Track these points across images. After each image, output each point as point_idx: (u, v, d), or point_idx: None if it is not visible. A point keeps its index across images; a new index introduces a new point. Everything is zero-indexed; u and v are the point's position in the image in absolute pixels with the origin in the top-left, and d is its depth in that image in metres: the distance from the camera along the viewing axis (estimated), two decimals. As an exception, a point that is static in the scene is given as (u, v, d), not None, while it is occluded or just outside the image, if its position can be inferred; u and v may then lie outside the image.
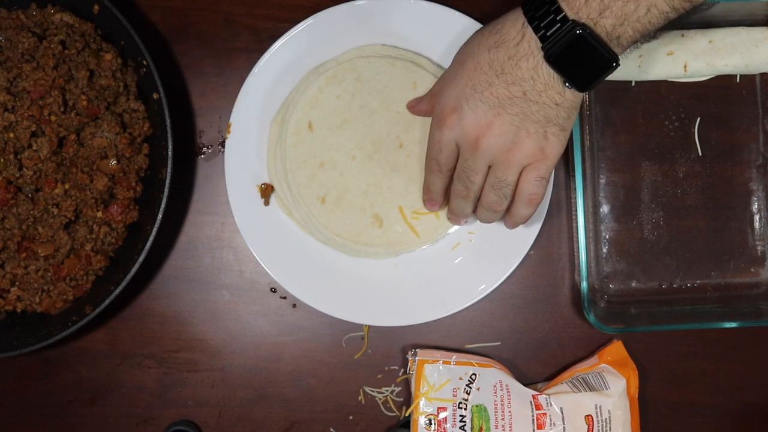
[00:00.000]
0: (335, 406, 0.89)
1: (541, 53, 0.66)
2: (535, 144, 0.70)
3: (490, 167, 0.73)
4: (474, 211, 0.79)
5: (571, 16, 0.65)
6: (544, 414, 0.84)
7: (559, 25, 0.65)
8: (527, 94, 0.68)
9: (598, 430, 0.85)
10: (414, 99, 0.84)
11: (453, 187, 0.77)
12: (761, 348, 0.91)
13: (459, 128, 0.71)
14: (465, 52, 0.72)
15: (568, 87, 0.68)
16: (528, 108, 0.68)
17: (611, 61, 0.66)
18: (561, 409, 0.84)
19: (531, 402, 0.85)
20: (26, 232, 0.82)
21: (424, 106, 0.82)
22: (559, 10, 0.65)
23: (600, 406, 0.85)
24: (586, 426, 0.84)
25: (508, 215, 0.77)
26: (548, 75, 0.67)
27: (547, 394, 0.85)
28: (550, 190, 0.86)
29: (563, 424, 0.84)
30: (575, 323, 0.90)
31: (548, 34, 0.66)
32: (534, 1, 0.67)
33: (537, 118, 0.69)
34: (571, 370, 0.89)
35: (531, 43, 0.67)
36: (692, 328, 0.90)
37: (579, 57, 0.65)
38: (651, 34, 0.67)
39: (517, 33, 0.67)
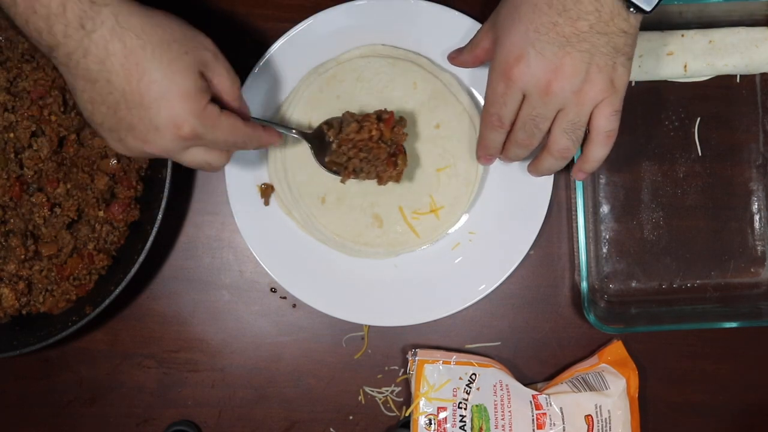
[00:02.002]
0: (335, 406, 0.89)
1: None
2: (606, 78, 0.68)
3: (559, 112, 0.70)
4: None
5: None
6: (544, 414, 0.84)
7: None
8: (594, 27, 0.66)
9: (598, 430, 0.85)
10: (454, 50, 0.81)
11: (513, 136, 0.73)
12: (761, 348, 0.91)
13: (528, 76, 0.68)
14: None
15: (632, 12, 0.66)
16: (596, 41, 0.66)
17: None
18: (561, 409, 0.84)
19: (531, 402, 0.85)
20: (32, 232, 0.82)
21: (469, 58, 0.79)
22: None
23: (600, 406, 0.85)
24: (586, 426, 0.84)
25: (582, 159, 0.74)
26: (612, 3, 0.65)
27: (547, 394, 0.85)
28: (550, 188, 0.86)
29: (563, 424, 0.84)
30: (575, 323, 0.90)
31: None
32: None
33: (606, 50, 0.67)
34: (571, 370, 0.89)
35: None
36: (692, 328, 0.90)
37: None
38: None
39: None
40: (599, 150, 0.73)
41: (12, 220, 0.82)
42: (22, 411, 0.89)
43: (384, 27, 0.86)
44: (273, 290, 0.89)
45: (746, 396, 0.91)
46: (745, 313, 0.87)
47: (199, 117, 0.65)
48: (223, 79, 0.68)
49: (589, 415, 0.85)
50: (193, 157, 0.69)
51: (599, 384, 0.86)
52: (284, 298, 0.89)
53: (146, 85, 0.63)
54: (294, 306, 0.89)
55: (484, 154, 0.79)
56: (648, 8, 0.66)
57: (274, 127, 0.78)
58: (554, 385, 0.87)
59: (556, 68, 0.67)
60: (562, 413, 0.84)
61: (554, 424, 0.84)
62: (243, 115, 0.71)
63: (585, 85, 0.68)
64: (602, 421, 0.85)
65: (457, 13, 0.85)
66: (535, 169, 0.79)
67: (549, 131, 0.72)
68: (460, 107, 0.85)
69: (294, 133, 0.81)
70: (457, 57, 0.81)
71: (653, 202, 0.90)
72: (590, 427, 0.84)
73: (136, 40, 0.62)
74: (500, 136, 0.74)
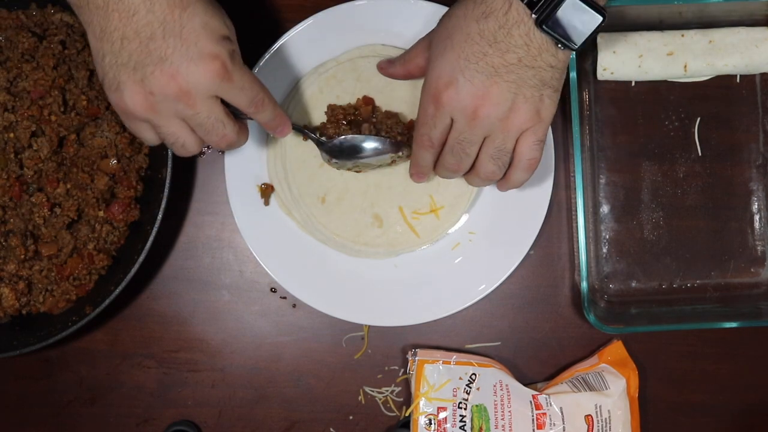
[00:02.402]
0: (335, 406, 0.89)
1: (532, 19, 0.66)
2: (532, 108, 0.70)
3: (485, 138, 0.72)
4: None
5: None
6: (544, 414, 0.84)
7: None
8: (522, 60, 0.68)
9: (598, 429, 0.85)
10: (385, 60, 0.83)
11: (443, 160, 0.76)
12: (761, 348, 0.91)
13: (456, 101, 0.70)
14: (451, 25, 0.71)
15: (560, 48, 0.68)
16: (523, 73, 0.68)
17: (600, 15, 0.67)
18: (561, 409, 0.84)
19: (531, 402, 0.85)
20: (32, 232, 0.82)
21: (400, 70, 0.81)
22: None
23: (600, 406, 0.85)
24: (586, 426, 0.84)
25: (503, 181, 0.77)
26: (541, 39, 0.67)
27: (546, 394, 0.85)
28: (550, 188, 0.86)
29: (563, 424, 0.84)
30: (575, 323, 0.90)
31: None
32: None
33: (533, 82, 0.69)
34: (571, 370, 0.89)
35: (519, 10, 0.67)
36: (692, 328, 0.90)
37: (569, 18, 0.66)
38: None
39: (503, 2, 0.67)
40: (520, 174, 0.75)
41: (12, 220, 0.82)
42: (22, 411, 0.89)
43: (384, 27, 0.86)
44: (273, 290, 0.89)
45: (746, 396, 0.91)
46: (745, 313, 0.87)
47: (232, 59, 0.66)
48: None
49: (589, 415, 0.85)
50: (177, 127, 0.68)
51: (599, 384, 0.86)
52: (284, 298, 0.89)
53: (189, 15, 0.64)
54: (294, 306, 0.89)
55: (415, 171, 0.80)
56: (575, 46, 0.68)
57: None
58: (554, 385, 0.87)
59: (484, 96, 0.69)
60: (562, 413, 0.84)
61: (554, 424, 0.84)
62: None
63: (511, 114, 0.70)
64: (602, 421, 0.85)
65: (457, 13, 0.85)
66: (465, 182, 0.80)
67: (477, 155, 0.74)
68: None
69: (313, 136, 0.82)
70: (387, 68, 0.82)
71: (653, 202, 0.90)
72: (590, 427, 0.84)
73: None
74: (431, 156, 0.76)
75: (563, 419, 0.84)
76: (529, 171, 0.75)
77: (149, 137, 0.71)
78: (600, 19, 0.67)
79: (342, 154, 0.81)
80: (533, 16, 0.66)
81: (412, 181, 0.82)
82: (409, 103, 0.85)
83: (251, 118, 0.73)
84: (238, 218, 0.85)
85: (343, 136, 0.81)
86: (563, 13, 0.66)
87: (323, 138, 0.82)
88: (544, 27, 0.66)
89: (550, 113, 0.71)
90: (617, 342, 0.88)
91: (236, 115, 0.71)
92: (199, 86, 0.66)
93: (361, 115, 0.84)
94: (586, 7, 0.66)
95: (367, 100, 0.84)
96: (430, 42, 0.74)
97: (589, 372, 0.87)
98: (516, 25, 0.67)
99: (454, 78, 0.69)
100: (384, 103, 0.85)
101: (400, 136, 0.82)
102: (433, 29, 0.74)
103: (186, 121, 0.68)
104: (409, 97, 0.85)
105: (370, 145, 0.80)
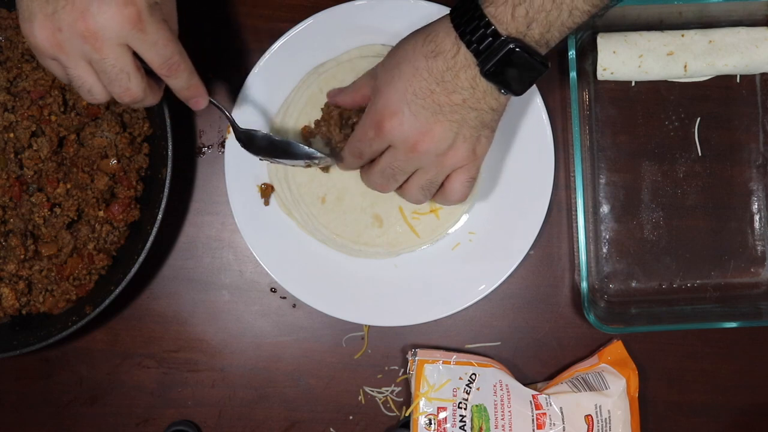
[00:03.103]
0: (335, 406, 0.89)
1: (477, 68, 0.67)
2: (469, 148, 0.72)
3: (418, 170, 0.74)
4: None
5: (501, 31, 0.66)
6: (544, 414, 0.84)
7: (490, 39, 0.66)
8: (467, 102, 0.69)
9: (598, 429, 0.85)
10: (335, 89, 0.83)
11: (371, 176, 0.77)
12: (761, 348, 0.91)
13: (398, 132, 0.71)
14: (400, 56, 0.72)
15: (503, 93, 0.69)
16: (467, 114, 0.70)
17: (543, 66, 0.68)
18: (561, 408, 0.84)
19: (531, 402, 0.85)
20: (32, 231, 0.82)
21: (347, 98, 0.81)
22: (489, 24, 0.66)
23: (600, 406, 0.85)
24: (586, 426, 0.84)
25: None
26: (486, 85, 0.68)
27: (546, 394, 0.85)
28: (550, 188, 0.86)
29: (563, 423, 0.84)
30: (575, 323, 0.90)
31: (481, 48, 0.66)
32: (463, 15, 0.67)
33: (474, 123, 0.71)
34: (571, 369, 0.89)
35: (467, 56, 0.67)
36: (692, 328, 0.90)
37: (513, 67, 0.67)
38: (575, 29, 0.69)
39: (452, 45, 0.68)
40: (445, 202, 0.77)
41: (12, 220, 0.82)
42: (22, 411, 0.89)
43: (384, 27, 0.86)
44: (273, 290, 0.89)
45: (746, 396, 0.91)
46: (745, 313, 0.87)
47: (150, 9, 0.63)
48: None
49: (589, 415, 0.85)
50: (84, 70, 0.66)
51: (599, 384, 0.86)
52: (284, 298, 0.89)
53: None
54: (294, 306, 0.89)
55: (342, 166, 0.81)
56: (518, 94, 0.69)
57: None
58: (554, 385, 0.87)
59: (426, 132, 0.70)
60: (561, 413, 0.84)
61: (554, 424, 0.84)
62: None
63: (449, 151, 0.71)
64: (602, 421, 0.85)
65: (457, 13, 0.85)
66: (369, 186, 0.80)
67: (405, 181, 0.76)
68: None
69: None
70: (335, 96, 0.83)
71: (653, 202, 0.90)
72: (590, 427, 0.84)
73: None
74: (357, 164, 0.78)
75: (563, 419, 0.84)
76: (455, 203, 0.77)
77: (59, 74, 0.68)
78: (543, 69, 0.68)
79: (252, 147, 0.81)
80: (478, 65, 0.67)
81: None
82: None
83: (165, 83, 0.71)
84: (238, 218, 0.85)
85: (262, 133, 0.81)
86: (507, 64, 0.66)
87: (237, 125, 0.81)
88: (488, 76, 0.67)
89: (485, 152, 0.74)
90: (617, 342, 0.88)
91: (151, 75, 0.69)
92: (108, 30, 0.63)
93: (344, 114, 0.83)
94: (529, 58, 0.67)
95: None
96: (376, 74, 0.75)
97: (589, 372, 0.87)
98: (463, 69, 0.68)
99: (400, 109, 0.70)
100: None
101: None
102: (382, 60, 0.75)
103: (92, 65, 0.65)
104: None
105: (294, 148, 0.81)
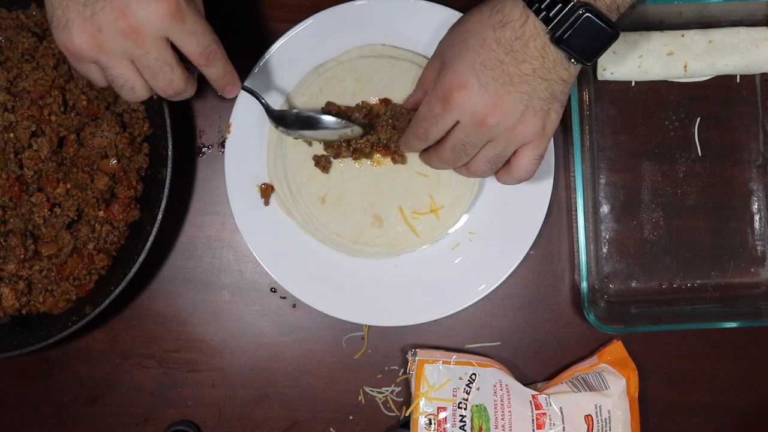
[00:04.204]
0: (335, 406, 0.89)
1: (547, 35, 0.66)
2: (539, 122, 0.70)
3: (487, 142, 0.72)
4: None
5: None
6: (544, 414, 0.84)
7: (560, 5, 0.65)
8: (537, 72, 0.68)
9: (598, 429, 0.85)
10: (406, 101, 0.82)
11: (440, 152, 0.75)
12: (761, 348, 0.91)
13: (467, 105, 0.69)
14: (466, 30, 0.70)
15: (573, 63, 0.68)
16: (537, 85, 0.68)
17: (614, 32, 0.67)
18: (560, 408, 0.84)
19: (531, 402, 0.85)
20: (32, 231, 0.82)
21: (417, 95, 0.79)
22: None
23: (600, 406, 0.85)
24: (586, 426, 0.84)
25: (480, 177, 0.77)
26: (556, 54, 0.67)
27: (546, 394, 0.85)
28: (550, 188, 0.86)
29: (563, 423, 0.84)
30: (575, 323, 0.90)
31: (551, 15, 0.66)
32: None
33: (544, 95, 0.69)
34: (571, 369, 0.89)
35: (536, 24, 0.66)
36: (692, 328, 0.90)
37: (583, 34, 0.66)
38: None
39: (520, 14, 0.67)
40: (509, 180, 0.75)
41: (12, 220, 0.82)
42: (22, 411, 0.89)
43: (384, 27, 0.86)
44: (273, 290, 0.89)
45: (746, 396, 0.91)
46: (745, 313, 0.87)
47: (187, 0, 0.65)
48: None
49: (589, 415, 0.85)
50: (126, 68, 0.66)
51: (599, 384, 0.86)
52: (284, 298, 0.89)
53: None
54: (294, 306, 0.89)
55: (403, 147, 0.80)
56: (588, 62, 0.68)
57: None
58: (554, 385, 0.87)
59: (495, 104, 0.69)
60: (561, 413, 0.84)
61: (554, 424, 0.84)
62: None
63: (519, 125, 0.70)
64: (602, 421, 0.85)
65: (457, 13, 0.85)
66: (436, 165, 0.79)
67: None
68: (460, 107, 0.85)
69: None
70: (409, 98, 0.81)
71: (653, 202, 0.90)
72: (590, 427, 0.84)
73: None
74: (422, 145, 0.76)
75: (563, 419, 0.84)
76: (520, 181, 0.75)
77: (97, 78, 0.69)
78: (614, 36, 0.67)
79: (289, 124, 0.81)
80: (548, 33, 0.66)
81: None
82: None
83: (200, 72, 0.71)
84: (238, 218, 0.85)
85: (292, 111, 0.82)
86: (577, 31, 0.66)
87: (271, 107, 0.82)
88: (559, 43, 0.66)
89: (554, 128, 0.72)
90: (617, 342, 0.88)
91: (186, 68, 0.70)
92: (149, 24, 0.64)
93: (372, 113, 0.84)
94: (601, 24, 0.66)
95: (385, 101, 0.85)
96: (440, 51, 0.74)
97: (589, 372, 0.87)
98: (532, 38, 0.67)
99: (469, 81, 0.69)
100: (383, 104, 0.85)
101: None
102: (443, 38, 0.74)
103: (134, 62, 0.66)
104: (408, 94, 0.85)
105: (324, 119, 0.81)
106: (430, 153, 0.77)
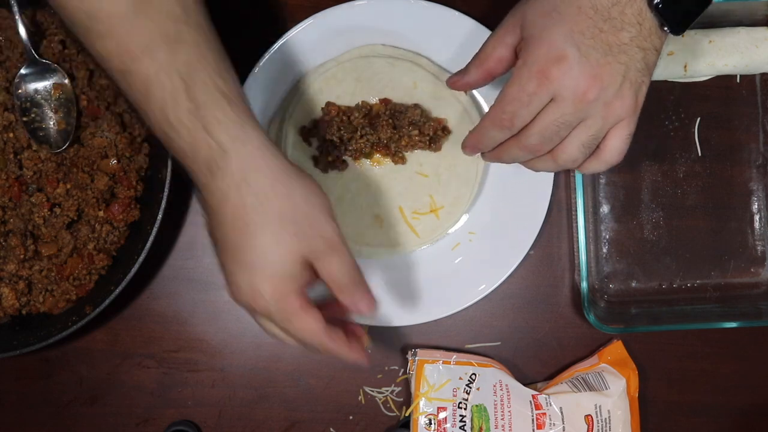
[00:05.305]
0: (335, 406, 0.89)
1: (644, 0, 0.63)
2: (633, 96, 0.65)
3: (580, 123, 0.66)
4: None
5: None
6: (544, 414, 0.84)
7: None
8: (634, 41, 0.64)
9: (598, 430, 0.85)
10: (453, 75, 0.74)
11: (523, 139, 0.68)
12: (761, 348, 0.91)
13: (567, 78, 0.63)
14: (552, 0, 0.65)
15: (665, 31, 0.65)
16: (634, 55, 0.64)
17: None
18: (560, 408, 0.84)
19: (531, 402, 0.85)
20: (32, 232, 0.82)
21: (473, 74, 0.72)
22: None
23: (600, 406, 0.85)
24: (586, 426, 0.84)
25: (568, 167, 0.70)
26: (652, 20, 0.64)
27: (546, 394, 0.85)
28: (550, 188, 0.86)
29: (563, 424, 0.84)
30: (575, 323, 0.90)
31: None
32: None
33: (640, 66, 0.65)
34: (571, 369, 0.89)
35: None
36: (692, 328, 0.90)
37: (678, 0, 0.63)
38: None
39: None
40: (600, 167, 0.70)
41: (12, 220, 0.82)
42: (22, 411, 0.89)
43: (384, 27, 0.86)
44: (273, 290, 0.89)
45: (746, 396, 0.91)
46: (745, 313, 0.88)
47: (278, 302, 0.63)
48: (332, 270, 0.65)
49: (589, 415, 0.85)
50: (265, 324, 0.67)
51: (599, 384, 0.86)
52: (284, 298, 0.89)
53: (245, 245, 0.62)
54: (294, 306, 0.89)
55: (473, 146, 0.72)
56: (681, 30, 0.65)
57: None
58: (554, 385, 0.87)
59: (596, 75, 0.64)
60: (561, 413, 0.84)
61: (554, 424, 0.84)
62: (344, 311, 0.67)
63: (616, 100, 0.65)
64: (602, 421, 0.85)
65: (457, 13, 0.85)
66: (513, 157, 0.73)
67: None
68: (459, 107, 0.85)
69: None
70: (459, 80, 0.73)
71: (653, 202, 0.90)
72: (590, 427, 0.84)
73: (255, 201, 0.62)
74: (502, 136, 0.69)
75: (563, 419, 0.84)
76: (610, 166, 0.69)
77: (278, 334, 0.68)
78: (707, 2, 0.64)
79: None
80: None
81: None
82: (408, 103, 0.85)
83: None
84: (238, 218, 0.85)
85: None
86: None
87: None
88: (657, 7, 0.63)
89: (642, 104, 0.67)
90: (617, 342, 0.88)
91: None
92: (246, 307, 0.65)
93: (372, 113, 0.84)
94: None
95: (385, 101, 0.85)
96: (521, 24, 0.67)
97: (589, 372, 0.87)
98: (629, 3, 0.63)
99: (568, 52, 0.63)
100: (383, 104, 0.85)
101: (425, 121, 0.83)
102: (522, 10, 0.67)
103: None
104: (408, 97, 0.85)
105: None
106: (506, 145, 0.70)
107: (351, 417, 0.89)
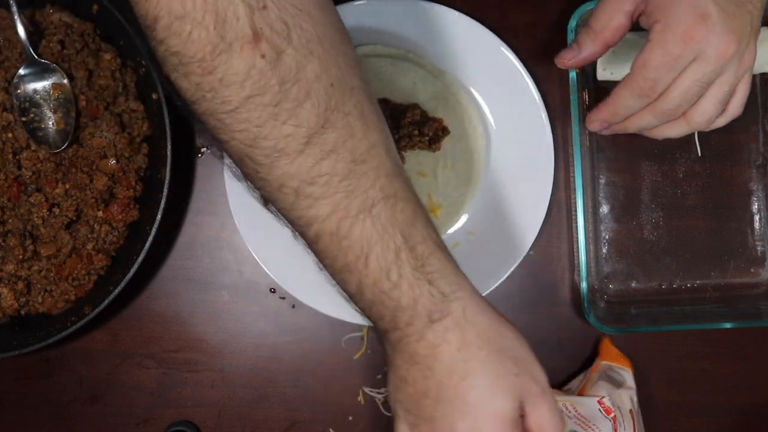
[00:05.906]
0: (335, 406, 0.89)
1: None
2: (754, 46, 0.64)
3: (715, 80, 0.65)
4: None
5: None
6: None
7: None
8: None
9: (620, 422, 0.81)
10: (562, 52, 0.70)
11: (664, 104, 0.66)
12: (761, 348, 0.91)
13: (712, 36, 0.61)
14: None
15: None
16: (756, 3, 0.63)
17: None
18: (582, 414, 0.81)
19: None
20: (30, 232, 0.82)
21: (589, 48, 0.68)
22: None
23: (632, 399, 0.84)
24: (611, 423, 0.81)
25: (701, 128, 0.69)
26: None
27: (563, 403, 0.82)
28: (550, 188, 0.86)
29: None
30: (575, 323, 0.90)
31: None
32: None
33: (757, 14, 0.64)
34: (581, 376, 0.88)
35: None
36: (692, 328, 0.90)
37: None
38: None
39: None
40: (724, 122, 0.69)
41: (10, 221, 0.82)
42: (22, 411, 0.89)
43: (384, 27, 0.85)
44: (272, 290, 0.89)
45: (746, 396, 0.91)
46: (745, 313, 0.87)
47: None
48: (543, 419, 0.59)
49: (631, 409, 0.83)
50: None
51: (615, 380, 0.84)
52: (283, 298, 0.89)
53: (466, 386, 0.57)
54: (293, 306, 0.89)
55: (605, 120, 0.70)
56: None
57: None
58: (572, 395, 0.84)
59: (734, 30, 0.62)
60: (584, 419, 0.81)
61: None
62: None
63: (747, 52, 0.64)
64: (623, 414, 0.82)
65: (457, 13, 0.85)
66: (647, 124, 0.70)
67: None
68: (460, 107, 0.85)
69: None
70: (575, 55, 0.70)
71: (653, 203, 0.90)
72: (633, 421, 0.82)
73: (476, 339, 0.58)
74: (640, 104, 0.67)
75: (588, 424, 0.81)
76: (732, 119, 0.69)
77: None
78: None
79: None
80: None
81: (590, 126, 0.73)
82: (408, 100, 0.85)
83: None
84: (237, 218, 0.85)
85: None
86: None
87: None
88: None
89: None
90: (605, 339, 0.87)
91: None
92: None
93: None
94: None
95: (385, 101, 0.85)
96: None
97: (598, 372, 0.86)
98: None
99: (709, 9, 0.61)
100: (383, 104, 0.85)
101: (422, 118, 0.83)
102: None
103: None
104: (408, 97, 0.85)
105: None
106: (641, 113, 0.68)
107: (350, 417, 0.89)
